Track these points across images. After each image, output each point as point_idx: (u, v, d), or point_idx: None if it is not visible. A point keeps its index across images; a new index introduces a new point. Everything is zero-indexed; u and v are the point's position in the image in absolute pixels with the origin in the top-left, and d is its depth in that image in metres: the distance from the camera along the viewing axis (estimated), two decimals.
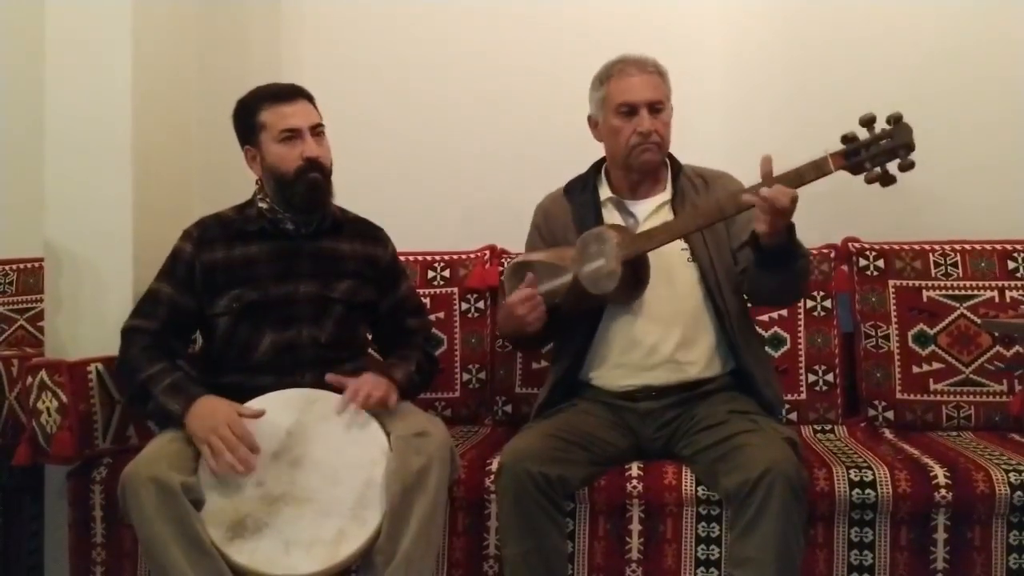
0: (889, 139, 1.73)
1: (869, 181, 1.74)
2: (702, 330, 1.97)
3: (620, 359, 1.98)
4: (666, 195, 2.04)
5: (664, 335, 1.95)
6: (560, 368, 2.04)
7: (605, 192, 2.08)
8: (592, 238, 1.91)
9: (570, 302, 1.92)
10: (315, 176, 1.94)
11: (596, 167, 2.13)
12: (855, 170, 1.75)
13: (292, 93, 1.97)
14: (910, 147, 1.73)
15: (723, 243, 1.99)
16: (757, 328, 2.18)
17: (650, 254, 1.91)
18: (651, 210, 2.02)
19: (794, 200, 1.69)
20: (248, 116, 1.98)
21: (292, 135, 1.94)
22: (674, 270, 1.97)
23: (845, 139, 1.75)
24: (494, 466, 1.90)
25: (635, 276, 1.90)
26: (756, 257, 1.80)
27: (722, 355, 1.98)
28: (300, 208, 1.98)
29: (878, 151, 1.74)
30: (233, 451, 1.73)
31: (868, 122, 1.73)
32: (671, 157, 2.09)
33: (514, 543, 1.75)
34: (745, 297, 2.01)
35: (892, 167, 1.74)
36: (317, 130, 1.97)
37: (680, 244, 1.96)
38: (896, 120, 1.74)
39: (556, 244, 2.07)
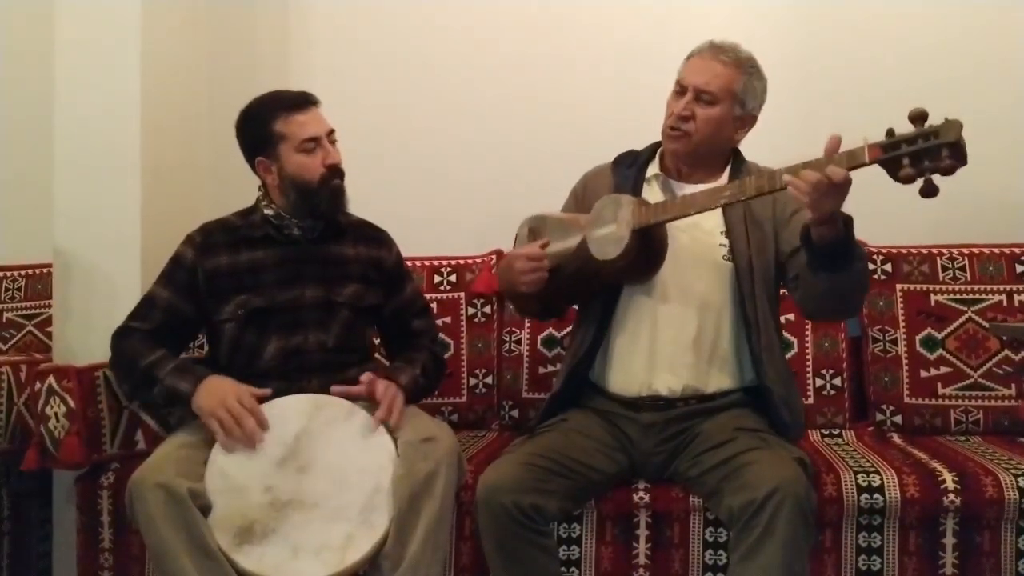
0: (935, 137, 1.50)
1: (903, 181, 1.52)
2: (724, 334, 1.86)
3: (632, 355, 1.87)
4: (719, 184, 1.84)
5: (682, 329, 1.84)
6: (573, 362, 1.94)
7: (653, 168, 1.96)
8: (609, 202, 1.81)
9: (575, 267, 1.84)
10: (338, 183, 1.98)
11: (654, 145, 2.00)
12: (891, 166, 1.53)
13: (304, 101, 1.97)
14: (955, 148, 1.49)
15: (767, 246, 1.86)
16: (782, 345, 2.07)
17: (686, 242, 1.83)
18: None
19: (841, 180, 1.53)
20: (260, 127, 1.98)
21: (314, 144, 1.96)
22: (706, 264, 1.85)
23: (890, 132, 1.53)
24: None
25: (647, 251, 1.77)
26: (808, 256, 1.67)
27: (741, 367, 1.87)
28: (324, 214, 1.99)
29: (920, 149, 1.51)
30: (242, 423, 1.76)
31: (917, 118, 1.51)
32: (737, 152, 1.96)
33: (503, 575, 1.72)
34: (799, 307, 1.87)
35: (935, 177, 1.52)
36: (332, 137, 2.00)
37: (720, 239, 1.86)
38: (948, 120, 1.51)
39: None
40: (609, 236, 1.78)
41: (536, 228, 1.96)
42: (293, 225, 2.00)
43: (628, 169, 1.98)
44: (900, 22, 2.60)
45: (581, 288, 1.93)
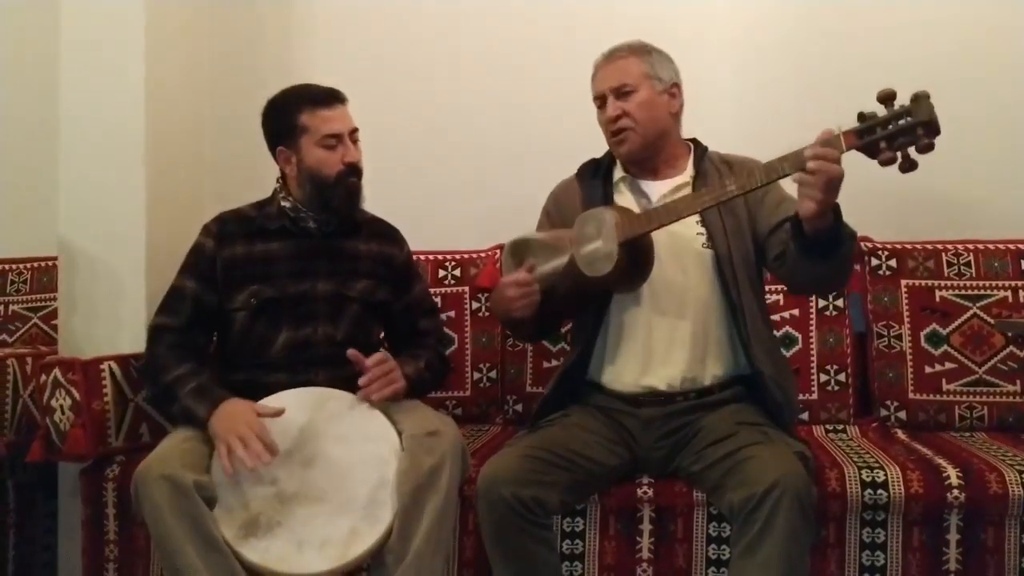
0: (908, 116, 1.51)
1: (884, 163, 1.54)
2: (713, 323, 1.87)
3: (627, 353, 1.89)
4: (686, 177, 1.94)
5: (674, 324, 1.86)
6: (566, 364, 1.98)
7: (619, 173, 2.00)
8: (590, 218, 1.83)
9: (566, 286, 1.85)
10: (355, 181, 2.00)
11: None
12: (869, 151, 1.55)
13: (333, 98, 1.99)
14: (929, 125, 1.50)
15: (743, 230, 1.90)
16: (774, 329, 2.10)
17: (664, 237, 1.83)
18: (667, 191, 1.91)
19: (840, 174, 1.56)
20: (285, 117, 2.00)
21: (335, 140, 1.97)
22: (687, 256, 1.88)
23: (861, 116, 1.56)
24: None
25: (636, 261, 1.80)
26: (798, 244, 1.68)
27: (734, 352, 1.89)
28: (338, 210, 2.01)
29: (895, 130, 1.52)
30: (247, 446, 1.71)
31: (886, 99, 1.53)
32: (695, 142, 2.01)
33: (501, 567, 1.72)
34: (786, 283, 1.90)
35: (911, 150, 1.53)
36: (354, 136, 2.01)
37: (696, 228, 1.88)
38: (917, 96, 1.52)
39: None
40: (597, 252, 1.79)
41: (519, 250, 1.95)
42: (308, 218, 2.02)
43: (594, 179, 2.01)
44: (909, 11, 2.59)
45: (574, 305, 1.94)
